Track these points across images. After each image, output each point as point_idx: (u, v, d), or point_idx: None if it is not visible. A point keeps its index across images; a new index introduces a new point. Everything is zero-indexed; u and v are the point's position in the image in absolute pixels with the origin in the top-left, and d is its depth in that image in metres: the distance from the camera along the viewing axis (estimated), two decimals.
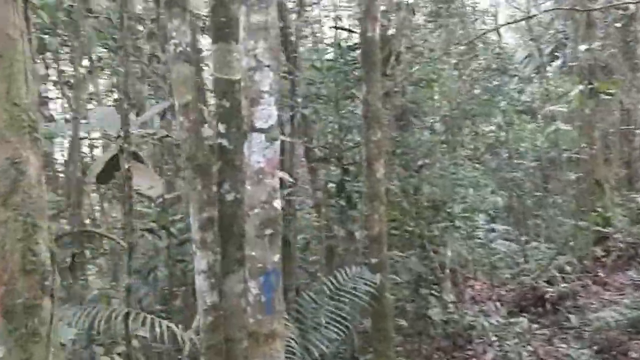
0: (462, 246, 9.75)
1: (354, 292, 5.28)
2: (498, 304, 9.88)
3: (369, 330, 6.21)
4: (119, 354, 4.96)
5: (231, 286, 3.66)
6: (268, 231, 3.38)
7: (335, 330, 5.20)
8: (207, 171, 3.55)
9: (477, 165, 13.10)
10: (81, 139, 5.17)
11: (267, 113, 3.34)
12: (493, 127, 15.22)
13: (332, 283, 5.34)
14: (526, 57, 18.82)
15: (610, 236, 11.52)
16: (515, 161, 15.24)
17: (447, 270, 8.78)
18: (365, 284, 5.33)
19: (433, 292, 7.72)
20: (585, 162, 11.27)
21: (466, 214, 7.94)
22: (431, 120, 8.38)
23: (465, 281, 11.55)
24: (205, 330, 3.51)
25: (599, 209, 11.61)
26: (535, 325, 9.30)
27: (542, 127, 14.97)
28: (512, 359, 7.49)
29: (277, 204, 3.42)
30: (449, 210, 8.08)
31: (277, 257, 3.41)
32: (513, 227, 15.91)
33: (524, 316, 9.95)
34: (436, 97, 8.60)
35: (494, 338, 7.93)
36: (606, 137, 13.01)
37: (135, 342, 4.68)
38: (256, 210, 3.37)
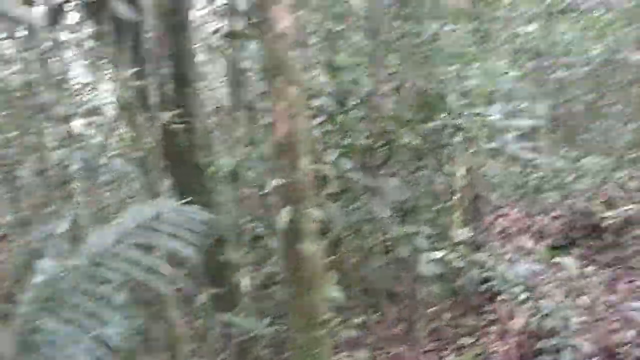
0: (482, 161, 6.59)
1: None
2: (530, 242, 6.71)
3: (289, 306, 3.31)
4: None
5: None
6: None
7: None
8: None
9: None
10: None
11: None
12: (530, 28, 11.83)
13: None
14: None
15: None
16: (562, 59, 11.80)
17: (458, 196, 5.69)
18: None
19: (427, 229, 4.71)
20: None
21: (473, 108, 4.79)
22: None
23: (495, 210, 8.39)
24: None
25: None
26: (591, 268, 6.14)
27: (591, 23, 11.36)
28: (555, 329, 4.45)
29: None
30: (448, 104, 4.95)
31: None
32: (561, 141, 12.69)
33: (575, 253, 6.81)
34: None
35: (523, 295, 4.85)
36: None
37: None
38: None
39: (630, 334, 4.47)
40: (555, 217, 8.02)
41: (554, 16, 11.10)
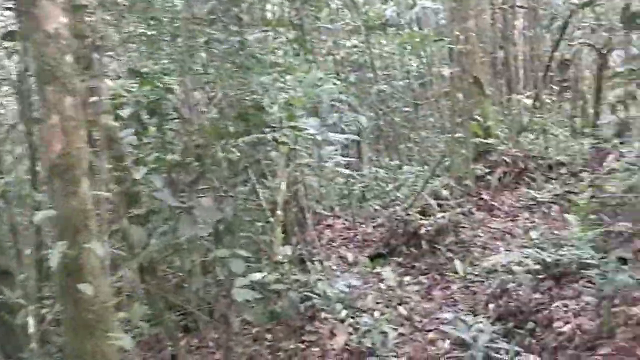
0: (305, 174, 6.42)
1: None
2: (354, 253, 6.69)
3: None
4: None
5: None
6: None
7: None
8: None
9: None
10: None
11: None
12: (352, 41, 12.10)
13: None
14: None
15: (493, 149, 8.63)
16: (381, 73, 12.22)
17: (280, 211, 5.41)
18: None
19: (243, 250, 4.36)
20: (460, 56, 8.18)
21: (293, 120, 4.55)
22: None
23: (321, 222, 8.32)
24: None
25: (478, 117, 8.64)
26: (409, 276, 6.23)
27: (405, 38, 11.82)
28: (374, 345, 4.33)
29: None
30: (266, 116, 4.66)
31: None
32: (383, 151, 13.13)
33: (395, 261, 6.90)
34: None
35: (344, 312, 4.71)
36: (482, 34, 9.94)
37: None
38: None
39: (445, 344, 4.49)
40: (378, 226, 8.15)
41: (373, 30, 11.41)
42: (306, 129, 4.43)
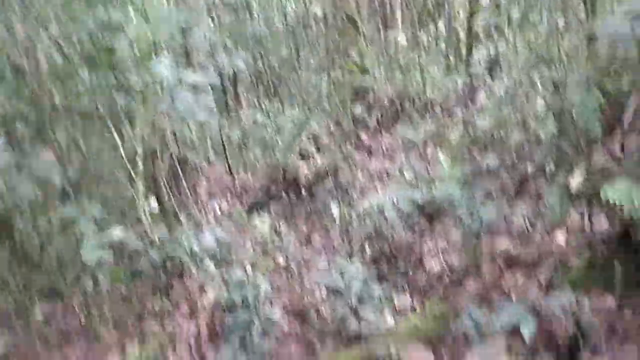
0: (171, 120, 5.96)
1: None
2: (230, 203, 6.41)
3: None
4: None
5: None
6: None
7: None
8: None
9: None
10: None
11: None
12: None
13: None
14: None
15: (371, 89, 8.53)
16: (258, 15, 11.72)
17: (141, 163, 4.96)
18: None
19: (95, 208, 3.93)
20: None
21: (146, 60, 4.08)
22: None
23: (197, 171, 7.90)
24: None
25: (355, 57, 8.47)
26: (289, 224, 6.04)
27: None
28: (246, 299, 4.11)
29: None
30: (115, 57, 4.16)
31: None
32: (262, 95, 12.77)
33: (274, 208, 6.71)
34: None
35: (215, 267, 4.44)
36: None
37: None
38: None
39: (322, 293, 4.36)
40: (257, 173, 7.88)
41: None
42: (159, 69, 3.99)
